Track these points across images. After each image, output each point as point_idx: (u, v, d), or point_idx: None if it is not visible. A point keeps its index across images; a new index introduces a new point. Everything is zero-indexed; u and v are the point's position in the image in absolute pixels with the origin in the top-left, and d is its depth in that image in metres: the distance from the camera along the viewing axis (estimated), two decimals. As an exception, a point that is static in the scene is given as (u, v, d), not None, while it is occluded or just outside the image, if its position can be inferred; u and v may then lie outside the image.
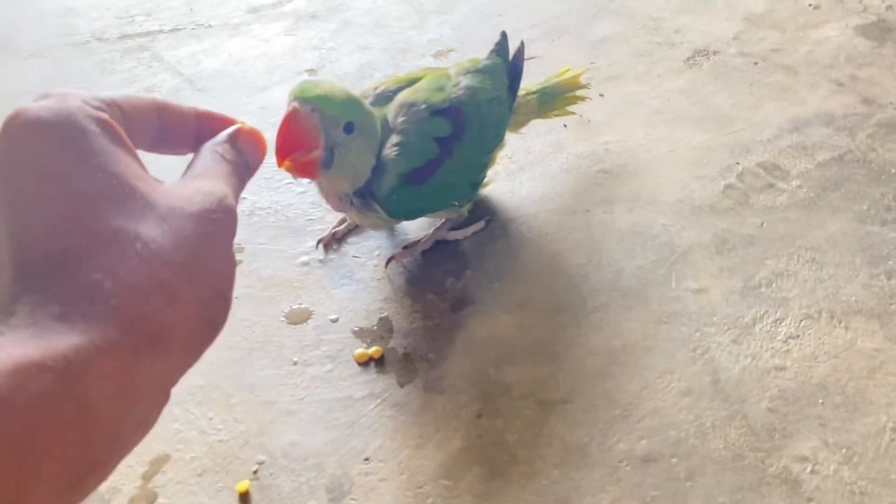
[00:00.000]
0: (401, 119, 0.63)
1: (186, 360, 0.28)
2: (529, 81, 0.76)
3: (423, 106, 0.64)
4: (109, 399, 0.24)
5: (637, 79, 0.91)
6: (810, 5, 1.01)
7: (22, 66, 1.14)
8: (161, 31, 1.18)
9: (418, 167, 0.63)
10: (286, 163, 0.55)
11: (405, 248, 0.71)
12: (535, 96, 0.76)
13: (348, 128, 0.57)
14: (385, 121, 0.64)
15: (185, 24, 1.19)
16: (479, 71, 0.69)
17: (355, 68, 1.00)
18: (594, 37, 1.00)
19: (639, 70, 0.92)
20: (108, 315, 0.25)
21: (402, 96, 0.65)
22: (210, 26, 1.17)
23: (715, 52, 0.94)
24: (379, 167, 0.62)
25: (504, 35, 0.73)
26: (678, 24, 1.01)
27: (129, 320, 0.25)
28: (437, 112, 0.64)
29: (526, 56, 0.74)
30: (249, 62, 1.06)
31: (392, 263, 0.70)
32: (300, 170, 0.58)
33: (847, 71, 0.88)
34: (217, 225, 0.29)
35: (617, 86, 0.90)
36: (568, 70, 0.79)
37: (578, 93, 0.78)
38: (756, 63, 0.91)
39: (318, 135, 0.56)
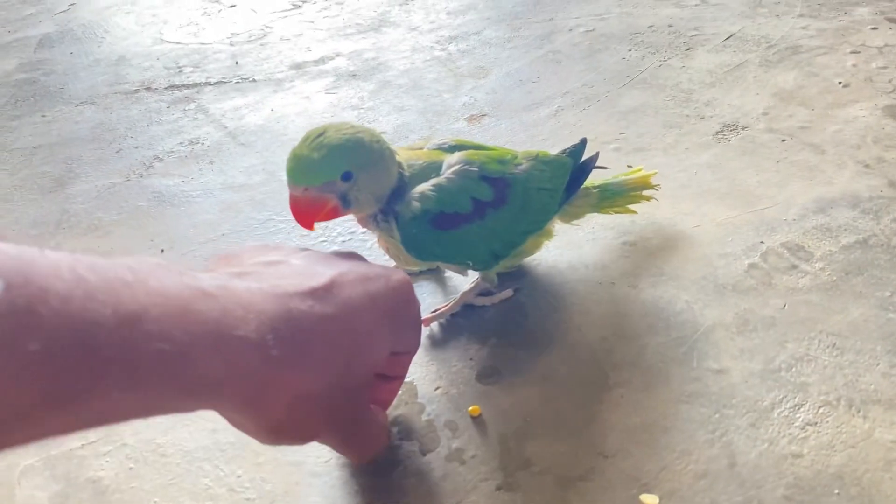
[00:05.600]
0: (452, 169, 0.67)
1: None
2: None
3: (475, 168, 0.67)
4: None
5: (665, 151, 0.93)
6: (840, 83, 1.03)
7: (73, 113, 1.20)
8: (207, 84, 1.23)
9: (446, 213, 0.66)
10: (314, 226, 0.63)
11: (434, 312, 0.73)
12: (596, 191, 0.77)
13: (346, 176, 0.61)
14: (439, 164, 0.68)
15: (231, 77, 1.24)
16: (543, 162, 0.72)
17: (392, 128, 1.04)
18: (624, 107, 1.03)
19: (667, 142, 0.95)
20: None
21: (465, 154, 0.69)
22: (254, 80, 1.22)
23: (744, 127, 0.96)
24: (409, 197, 0.66)
25: (583, 141, 0.76)
26: (708, 97, 1.03)
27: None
28: (485, 178, 0.67)
29: (596, 165, 0.76)
30: (290, 118, 1.10)
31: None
32: (329, 219, 0.64)
33: (874, 152, 0.89)
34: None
35: (645, 157, 0.92)
36: (640, 169, 0.81)
37: (645, 192, 0.80)
38: (784, 140, 0.93)
39: (322, 198, 0.61)
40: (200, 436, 0.64)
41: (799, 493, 0.55)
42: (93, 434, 0.65)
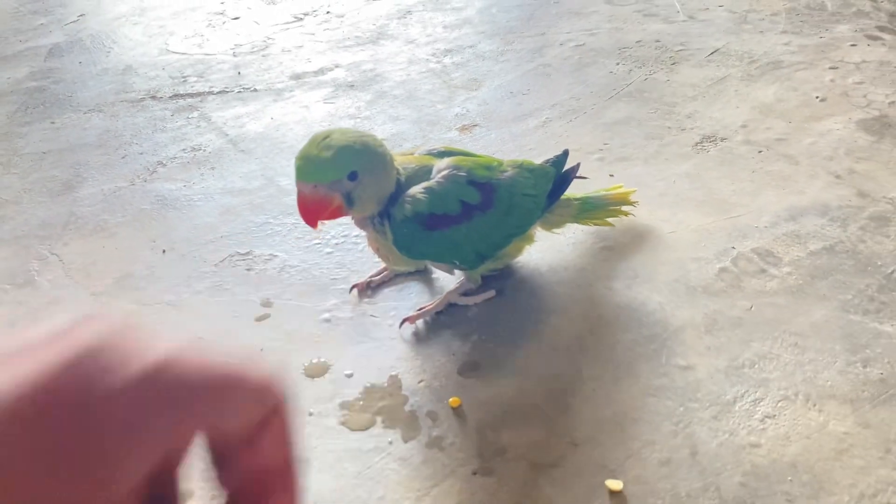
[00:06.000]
0: (441, 174, 0.72)
1: None
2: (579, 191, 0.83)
3: (463, 173, 0.72)
4: None
5: (646, 161, 0.97)
6: (817, 97, 1.07)
7: (81, 120, 1.24)
8: (210, 93, 1.27)
9: (435, 214, 0.70)
10: (318, 224, 0.67)
11: (419, 310, 0.77)
12: (577, 202, 0.82)
13: (352, 176, 0.66)
14: (429, 168, 0.73)
15: (233, 86, 1.28)
16: (527, 170, 0.76)
17: (387, 137, 1.08)
18: (609, 118, 1.07)
19: (648, 152, 0.99)
20: None
21: (453, 160, 0.74)
22: (255, 90, 1.26)
23: (722, 139, 1.00)
24: (402, 200, 0.70)
25: (566, 152, 0.81)
26: (690, 109, 1.08)
27: None
28: (473, 182, 0.72)
29: (577, 175, 0.80)
30: (290, 127, 1.14)
31: (405, 325, 0.76)
32: (333, 218, 0.69)
33: (846, 164, 0.93)
34: None
35: (626, 167, 0.96)
36: (620, 187, 0.85)
37: (624, 208, 0.85)
38: (760, 151, 0.97)
39: (329, 196, 0.66)
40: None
41: (754, 480, 0.58)
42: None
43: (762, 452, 0.60)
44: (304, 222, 0.67)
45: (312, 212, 0.67)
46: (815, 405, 0.64)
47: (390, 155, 0.71)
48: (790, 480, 0.58)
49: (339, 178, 0.66)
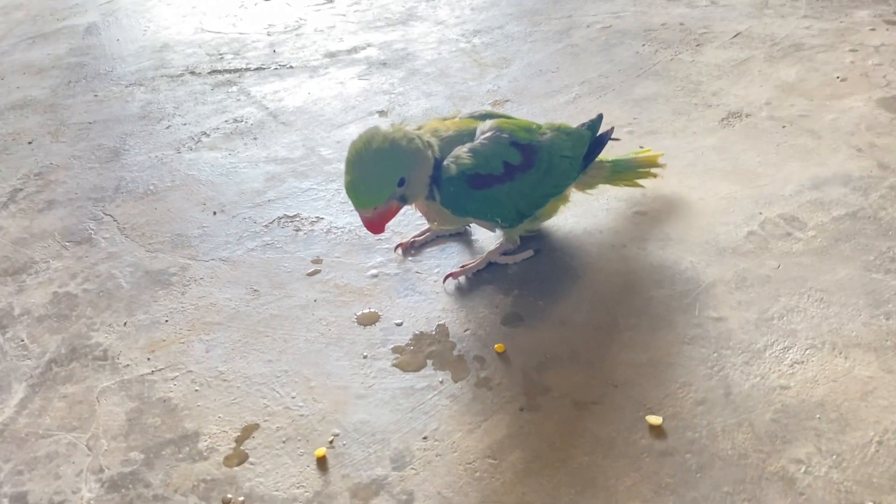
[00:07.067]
0: (485, 135, 0.76)
1: None
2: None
3: (506, 135, 0.76)
4: None
5: (674, 134, 1.01)
6: (838, 77, 1.11)
7: (123, 93, 1.29)
8: (247, 69, 1.31)
9: (480, 174, 0.74)
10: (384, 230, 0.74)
11: (462, 267, 0.81)
12: (609, 164, 0.86)
13: (401, 182, 0.71)
14: (471, 130, 0.77)
15: (269, 64, 1.33)
16: (565, 133, 0.80)
17: (420, 112, 1.12)
18: (637, 95, 1.11)
19: (676, 127, 1.03)
20: None
21: (496, 122, 0.78)
22: (291, 67, 1.31)
23: (747, 115, 1.04)
24: (447, 162, 0.74)
25: (600, 116, 0.85)
26: (715, 87, 1.11)
27: None
28: (515, 144, 0.76)
29: (611, 137, 0.85)
30: (327, 101, 1.18)
31: (449, 280, 0.80)
32: (394, 216, 0.74)
33: (867, 138, 0.97)
34: None
35: (656, 140, 1.00)
36: (648, 150, 0.90)
37: (652, 170, 0.89)
38: (784, 126, 1.01)
39: (388, 207, 0.72)
40: (257, 364, 0.72)
41: (785, 417, 0.63)
42: (160, 362, 0.74)
43: (792, 393, 0.65)
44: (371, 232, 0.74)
45: (379, 226, 0.73)
46: (840, 353, 0.68)
47: (419, 138, 0.73)
48: (818, 418, 0.62)
49: (392, 190, 0.70)
